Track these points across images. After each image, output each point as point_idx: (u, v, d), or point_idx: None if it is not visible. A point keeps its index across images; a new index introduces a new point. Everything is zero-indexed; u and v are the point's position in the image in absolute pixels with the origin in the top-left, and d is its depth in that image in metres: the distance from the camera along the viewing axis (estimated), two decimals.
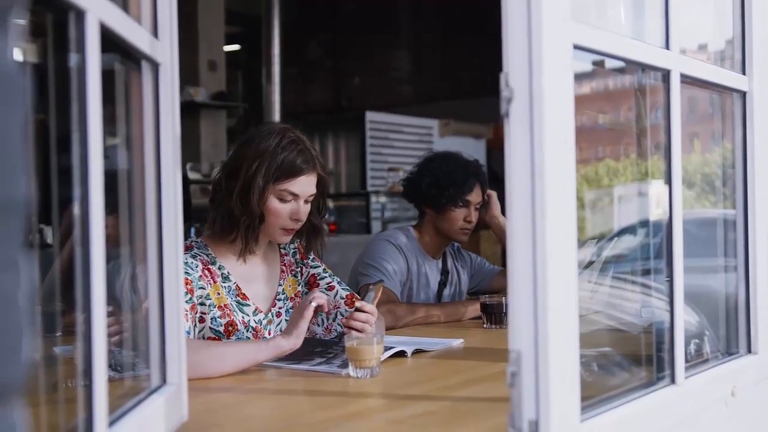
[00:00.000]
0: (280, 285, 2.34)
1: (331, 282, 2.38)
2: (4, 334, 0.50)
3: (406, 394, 1.75)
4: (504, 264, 3.63)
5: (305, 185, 2.20)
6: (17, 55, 0.56)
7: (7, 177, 0.51)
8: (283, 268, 2.37)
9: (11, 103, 0.53)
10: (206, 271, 2.17)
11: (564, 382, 1.18)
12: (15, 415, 0.53)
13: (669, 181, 1.50)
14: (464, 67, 9.40)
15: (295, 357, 2.02)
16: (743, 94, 1.78)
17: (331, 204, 7.67)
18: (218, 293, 2.18)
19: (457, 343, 2.34)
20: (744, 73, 1.78)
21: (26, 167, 0.53)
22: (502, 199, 3.11)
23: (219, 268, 2.22)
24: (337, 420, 1.55)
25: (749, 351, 1.80)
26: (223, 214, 2.20)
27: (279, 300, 2.33)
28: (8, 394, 0.52)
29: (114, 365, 1.27)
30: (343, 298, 2.35)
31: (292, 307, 2.33)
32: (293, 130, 2.22)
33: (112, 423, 1.07)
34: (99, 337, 0.99)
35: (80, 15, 0.96)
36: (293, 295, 2.36)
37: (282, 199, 2.18)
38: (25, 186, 0.53)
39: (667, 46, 1.49)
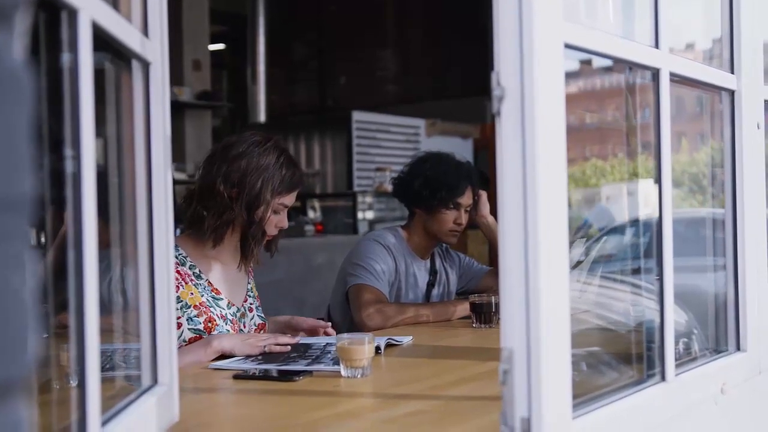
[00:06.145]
0: (249, 283, 2.44)
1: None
2: (12, 332, 0.50)
3: (398, 393, 1.75)
4: (491, 264, 3.63)
5: (294, 197, 2.33)
6: (22, 54, 0.56)
7: (13, 175, 0.51)
8: (250, 269, 2.46)
9: (17, 103, 0.54)
10: (176, 273, 2.19)
11: (556, 379, 1.18)
12: (21, 411, 0.54)
13: (659, 180, 1.51)
14: (451, 67, 9.42)
15: (286, 359, 2.01)
16: (732, 93, 1.79)
17: (317, 204, 7.66)
18: (191, 293, 2.22)
19: (407, 340, 2.35)
20: (732, 72, 1.79)
21: (31, 165, 0.53)
22: (490, 198, 3.12)
23: (190, 268, 2.26)
24: (329, 420, 1.54)
25: (738, 348, 1.81)
26: (226, 223, 2.24)
27: (249, 296, 2.42)
28: (15, 391, 0.53)
29: (103, 365, 1.26)
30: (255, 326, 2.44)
31: (258, 306, 2.44)
32: (280, 142, 2.33)
33: (104, 423, 1.06)
34: (92, 338, 0.99)
35: (73, 14, 0.96)
36: (257, 295, 2.47)
37: (276, 212, 2.28)
38: (30, 184, 0.53)
39: (657, 45, 1.50)
